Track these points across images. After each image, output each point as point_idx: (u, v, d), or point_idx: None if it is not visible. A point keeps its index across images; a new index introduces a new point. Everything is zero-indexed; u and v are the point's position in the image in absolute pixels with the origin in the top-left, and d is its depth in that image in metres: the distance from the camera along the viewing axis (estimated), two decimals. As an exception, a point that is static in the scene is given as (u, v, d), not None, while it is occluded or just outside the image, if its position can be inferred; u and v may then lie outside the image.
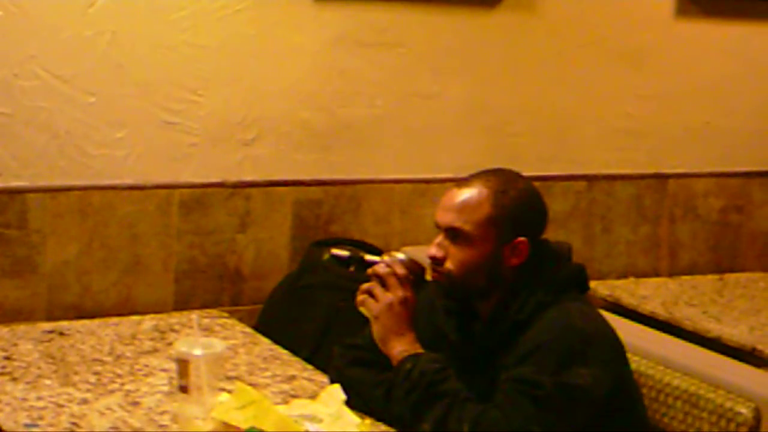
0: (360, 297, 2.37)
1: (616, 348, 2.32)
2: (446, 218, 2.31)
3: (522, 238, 2.29)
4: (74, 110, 3.30)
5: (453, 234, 2.30)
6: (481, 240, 2.29)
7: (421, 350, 2.30)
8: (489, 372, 2.28)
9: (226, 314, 3.12)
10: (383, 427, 2.31)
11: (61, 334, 2.82)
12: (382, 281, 2.35)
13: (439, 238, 2.32)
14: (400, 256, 2.38)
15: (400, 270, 2.34)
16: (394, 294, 2.32)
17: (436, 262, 2.32)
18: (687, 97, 4.20)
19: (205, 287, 3.51)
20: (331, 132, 3.64)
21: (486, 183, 2.31)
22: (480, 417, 2.17)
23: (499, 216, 2.29)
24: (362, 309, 2.38)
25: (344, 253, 3.47)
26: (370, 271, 2.38)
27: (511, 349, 2.24)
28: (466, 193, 2.31)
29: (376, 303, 2.33)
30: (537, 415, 2.15)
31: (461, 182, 2.35)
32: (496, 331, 2.30)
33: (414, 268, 2.36)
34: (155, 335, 2.85)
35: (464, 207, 2.30)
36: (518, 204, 2.31)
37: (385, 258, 2.39)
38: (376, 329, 2.33)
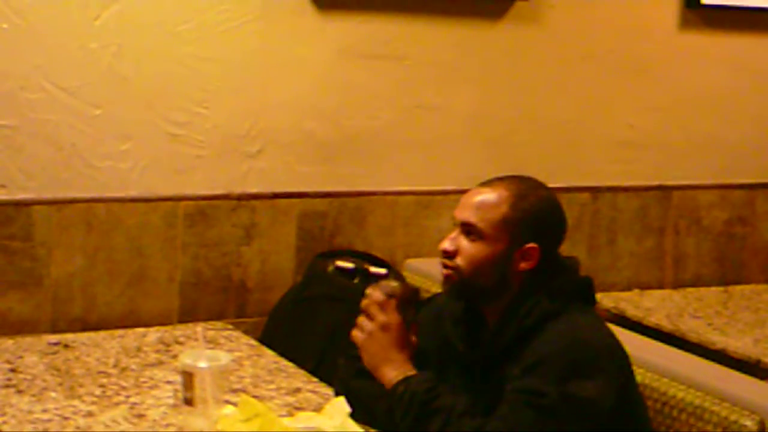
0: (352, 332, 2.40)
1: (622, 361, 2.33)
2: (463, 214, 2.34)
3: (534, 245, 2.31)
4: (79, 122, 3.31)
5: (467, 230, 2.32)
6: (493, 239, 2.30)
7: (412, 371, 2.31)
8: (496, 382, 2.28)
9: (230, 326, 3.13)
10: (387, 438, 2.31)
11: (66, 346, 2.82)
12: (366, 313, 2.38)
13: (454, 233, 2.35)
14: (393, 283, 2.40)
15: (378, 296, 2.36)
16: (375, 322, 2.35)
17: (447, 255, 2.34)
18: (691, 109, 4.20)
19: (210, 299, 3.51)
20: (336, 144, 3.64)
21: (508, 186, 2.34)
22: (479, 429, 2.18)
23: (514, 219, 2.30)
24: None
25: (349, 265, 3.47)
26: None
27: (518, 360, 2.25)
28: (487, 193, 2.34)
29: (360, 334, 2.36)
30: (540, 425, 2.16)
31: (485, 182, 2.38)
32: (502, 339, 2.30)
33: (402, 291, 2.37)
34: (160, 347, 2.85)
35: (482, 205, 2.32)
36: (536, 210, 2.32)
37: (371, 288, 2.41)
38: (365, 359, 2.36)
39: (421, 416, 2.24)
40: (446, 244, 2.35)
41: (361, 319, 2.38)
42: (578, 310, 2.32)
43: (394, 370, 2.32)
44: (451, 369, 2.40)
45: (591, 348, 2.25)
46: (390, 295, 2.37)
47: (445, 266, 2.36)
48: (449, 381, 2.36)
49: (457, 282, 2.34)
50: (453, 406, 2.24)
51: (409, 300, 2.38)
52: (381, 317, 2.35)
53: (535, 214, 2.33)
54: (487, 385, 2.31)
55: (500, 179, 2.38)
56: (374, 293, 2.37)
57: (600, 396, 2.21)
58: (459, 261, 2.33)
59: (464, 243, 2.33)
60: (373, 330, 2.35)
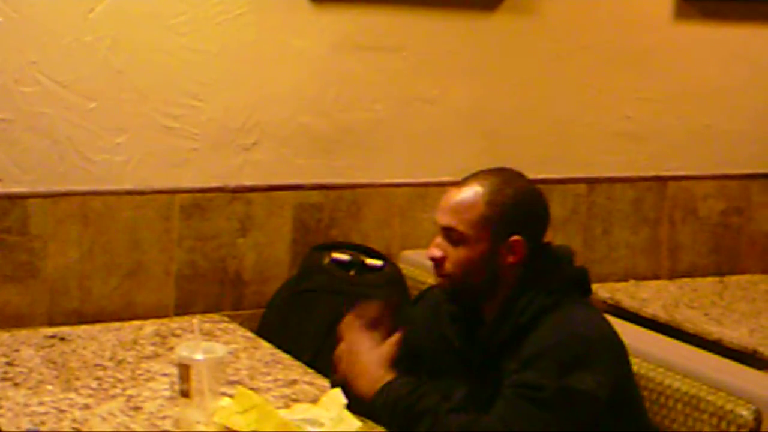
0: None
1: (618, 352, 2.33)
2: (443, 219, 2.33)
3: (517, 237, 2.30)
4: (75, 116, 3.30)
5: (449, 234, 2.32)
6: (476, 239, 2.30)
7: (389, 377, 2.30)
8: (494, 377, 2.28)
9: (227, 319, 3.13)
10: (384, 431, 2.31)
11: (63, 339, 2.82)
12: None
13: (438, 239, 2.35)
14: (365, 305, 2.41)
15: (347, 320, 2.38)
16: (348, 351, 2.35)
17: (436, 263, 2.34)
18: (687, 100, 4.20)
19: (206, 292, 3.51)
20: (332, 136, 3.64)
21: (482, 182, 2.33)
22: (469, 425, 2.18)
23: (492, 215, 2.30)
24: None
25: (345, 257, 3.47)
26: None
27: (515, 354, 2.25)
28: (462, 193, 2.33)
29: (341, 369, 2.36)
30: (538, 418, 2.16)
31: (460, 182, 2.37)
32: (499, 335, 2.30)
33: (368, 312, 2.39)
34: (156, 340, 2.85)
35: (459, 207, 2.31)
36: (513, 202, 2.31)
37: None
38: (356, 390, 2.33)
39: (406, 421, 2.23)
40: (434, 252, 2.34)
41: (336, 356, 2.39)
42: (574, 301, 2.32)
43: (367, 384, 2.30)
44: (448, 364, 2.40)
45: (588, 341, 2.25)
46: (358, 317, 2.37)
47: (438, 275, 2.36)
48: (446, 376, 2.36)
49: (450, 289, 2.34)
50: (439, 404, 2.23)
51: (379, 318, 2.38)
52: (347, 338, 2.36)
53: (513, 206, 2.31)
54: (484, 379, 2.31)
55: (475, 176, 2.36)
56: (346, 317, 2.39)
57: (597, 388, 2.21)
58: (448, 267, 2.33)
59: (450, 248, 2.32)
60: (341, 353, 2.36)
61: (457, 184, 2.37)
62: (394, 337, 2.36)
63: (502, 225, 2.29)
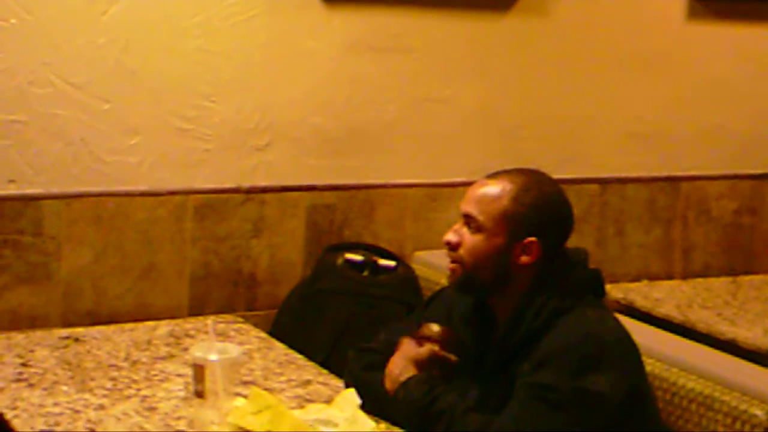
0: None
1: (632, 354, 2.33)
2: (467, 206, 2.36)
3: (533, 239, 2.31)
4: (88, 117, 3.31)
5: (469, 222, 2.34)
6: (492, 233, 2.31)
7: (410, 373, 2.34)
8: (507, 379, 2.28)
9: (241, 319, 3.14)
10: (398, 431, 2.32)
11: (77, 340, 2.83)
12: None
13: (457, 225, 2.37)
14: (430, 326, 2.45)
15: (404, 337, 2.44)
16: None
17: (450, 247, 2.36)
18: (699, 100, 4.19)
19: (220, 292, 3.51)
20: (344, 137, 3.65)
21: (513, 179, 2.35)
22: (486, 425, 2.19)
23: (514, 213, 2.31)
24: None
25: (358, 257, 3.48)
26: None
27: (528, 356, 2.25)
28: (491, 186, 2.35)
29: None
30: (551, 419, 2.16)
31: (492, 174, 2.39)
32: (513, 337, 2.31)
33: (422, 332, 2.43)
34: (171, 341, 2.86)
35: (484, 198, 2.33)
36: (537, 205, 2.33)
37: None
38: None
39: (423, 421, 2.26)
40: (449, 236, 2.37)
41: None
42: (588, 303, 2.32)
43: (389, 381, 2.36)
44: (460, 365, 2.41)
45: (602, 342, 2.25)
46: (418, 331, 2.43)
47: (451, 261, 2.37)
48: (458, 377, 2.37)
49: (461, 275, 2.35)
50: (455, 404, 2.25)
51: (433, 338, 2.41)
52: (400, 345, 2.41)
53: (537, 208, 2.32)
54: (497, 380, 2.31)
55: (507, 172, 2.39)
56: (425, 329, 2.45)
57: (611, 390, 2.21)
58: (462, 252, 2.34)
59: (466, 235, 2.34)
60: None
61: (488, 175, 2.39)
62: (431, 345, 2.39)
63: (521, 224, 2.31)
